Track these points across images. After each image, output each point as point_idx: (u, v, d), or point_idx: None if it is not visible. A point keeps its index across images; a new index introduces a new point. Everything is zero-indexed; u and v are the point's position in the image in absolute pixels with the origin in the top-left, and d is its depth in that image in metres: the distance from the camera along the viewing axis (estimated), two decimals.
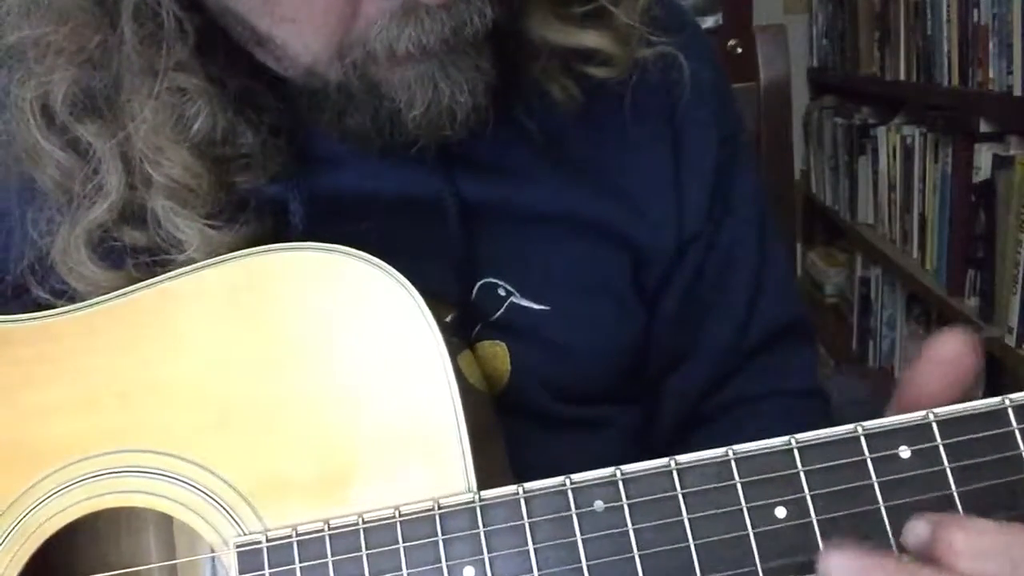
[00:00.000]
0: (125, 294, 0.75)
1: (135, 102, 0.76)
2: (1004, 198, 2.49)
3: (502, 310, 0.88)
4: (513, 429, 0.83)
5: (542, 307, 0.89)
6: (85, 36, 0.75)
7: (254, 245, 0.78)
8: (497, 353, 0.89)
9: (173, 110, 0.76)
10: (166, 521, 0.76)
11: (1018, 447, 0.59)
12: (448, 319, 0.85)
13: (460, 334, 0.86)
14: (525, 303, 0.89)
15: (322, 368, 0.70)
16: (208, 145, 0.78)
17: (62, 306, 0.78)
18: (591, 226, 0.91)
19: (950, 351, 0.62)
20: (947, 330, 0.62)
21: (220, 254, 0.76)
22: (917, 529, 0.58)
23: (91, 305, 0.75)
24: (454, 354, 0.73)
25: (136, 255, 0.79)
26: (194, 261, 0.76)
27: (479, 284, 0.88)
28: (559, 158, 0.90)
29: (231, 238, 0.78)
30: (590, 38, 0.84)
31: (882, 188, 3.57)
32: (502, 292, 0.88)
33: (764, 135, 1.51)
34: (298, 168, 0.84)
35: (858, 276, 3.92)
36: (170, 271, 0.77)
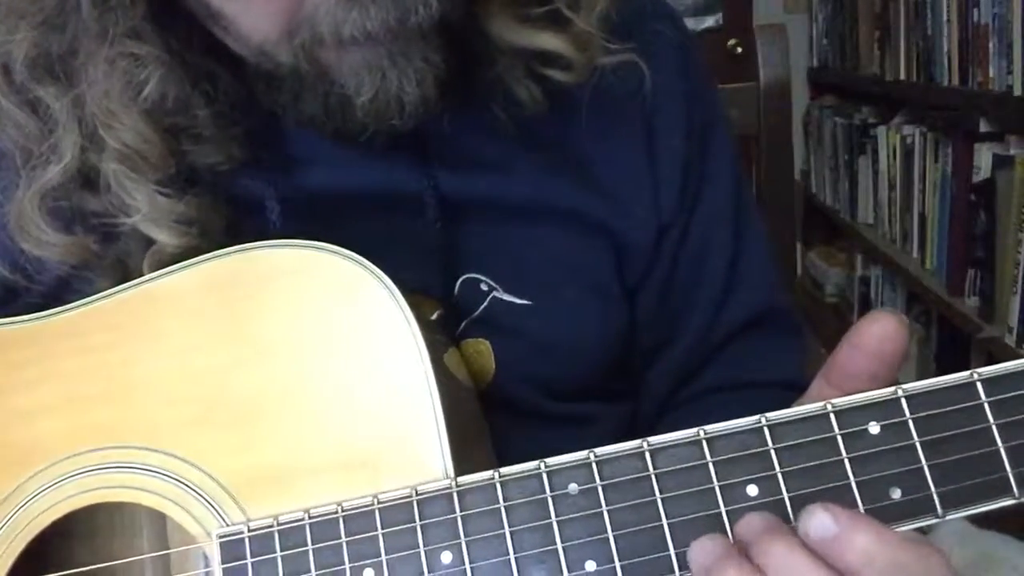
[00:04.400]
0: (108, 295, 0.75)
1: (90, 66, 0.76)
2: (1004, 198, 2.49)
3: (485, 305, 0.88)
4: (501, 426, 0.83)
5: (525, 301, 0.89)
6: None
7: (214, 222, 0.79)
8: (481, 351, 0.88)
9: (125, 75, 0.76)
10: (159, 516, 0.76)
11: (987, 420, 0.60)
12: (434, 316, 0.85)
13: (445, 332, 0.86)
14: (508, 298, 0.89)
15: (303, 364, 0.70)
16: (160, 113, 0.78)
17: (24, 285, 0.80)
18: (572, 218, 0.91)
19: (874, 339, 0.62)
20: (873, 313, 0.63)
21: (168, 223, 0.77)
22: (823, 521, 0.57)
23: (74, 307, 0.76)
24: (441, 351, 0.73)
25: (87, 219, 0.80)
26: (143, 229, 0.78)
27: (461, 279, 0.88)
28: (537, 152, 0.90)
29: (182, 208, 0.78)
30: (547, 40, 0.84)
31: (882, 188, 3.58)
32: (484, 287, 0.88)
33: (764, 135, 1.51)
34: (274, 165, 0.85)
35: (858, 276, 3.93)
36: (119, 234, 0.79)
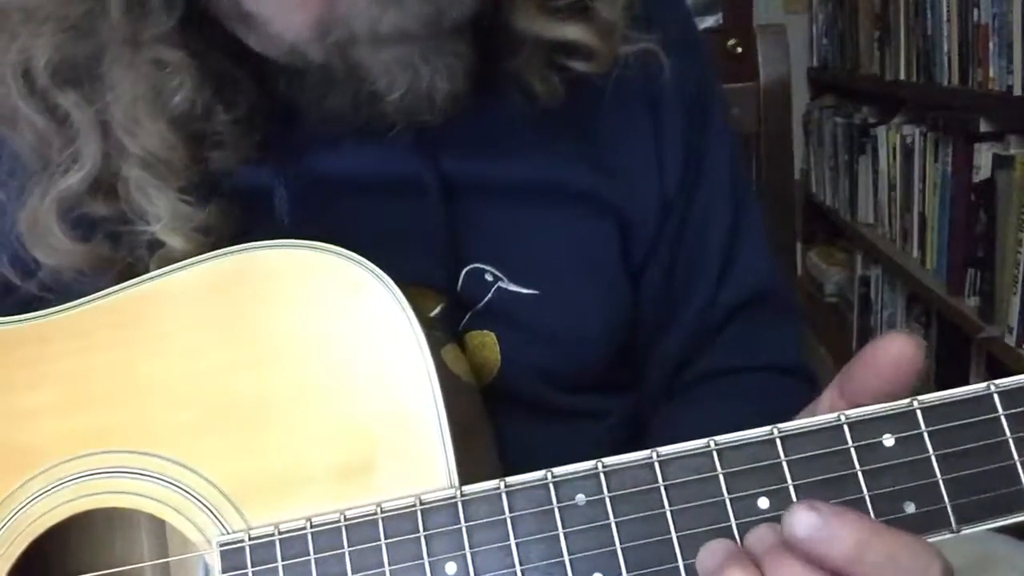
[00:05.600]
0: (109, 294, 0.74)
1: (116, 72, 0.76)
2: (1004, 198, 2.49)
3: (490, 296, 0.88)
4: (508, 419, 0.83)
5: (531, 291, 0.89)
6: (72, 4, 0.74)
7: (227, 228, 0.79)
8: (486, 343, 0.88)
9: (153, 82, 0.76)
10: (159, 521, 0.76)
11: (1004, 433, 0.59)
12: (435, 312, 0.84)
13: (447, 325, 0.86)
14: (513, 288, 0.88)
15: (305, 367, 0.70)
16: (186, 119, 0.77)
17: (26, 287, 0.79)
18: (578, 197, 0.91)
19: (890, 360, 0.61)
20: (890, 335, 0.61)
21: (188, 231, 0.77)
22: (808, 519, 0.56)
23: (75, 306, 0.75)
24: (438, 349, 0.72)
25: (105, 228, 0.79)
26: (161, 237, 0.77)
27: (465, 271, 0.87)
28: (542, 132, 0.89)
29: (203, 216, 0.78)
30: (573, 31, 0.84)
31: (882, 188, 3.58)
32: (489, 278, 0.88)
33: (764, 135, 1.51)
34: (283, 154, 0.84)
35: (858, 276, 3.93)
36: (132, 240, 0.78)
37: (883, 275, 3.67)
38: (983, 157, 2.64)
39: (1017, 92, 2.38)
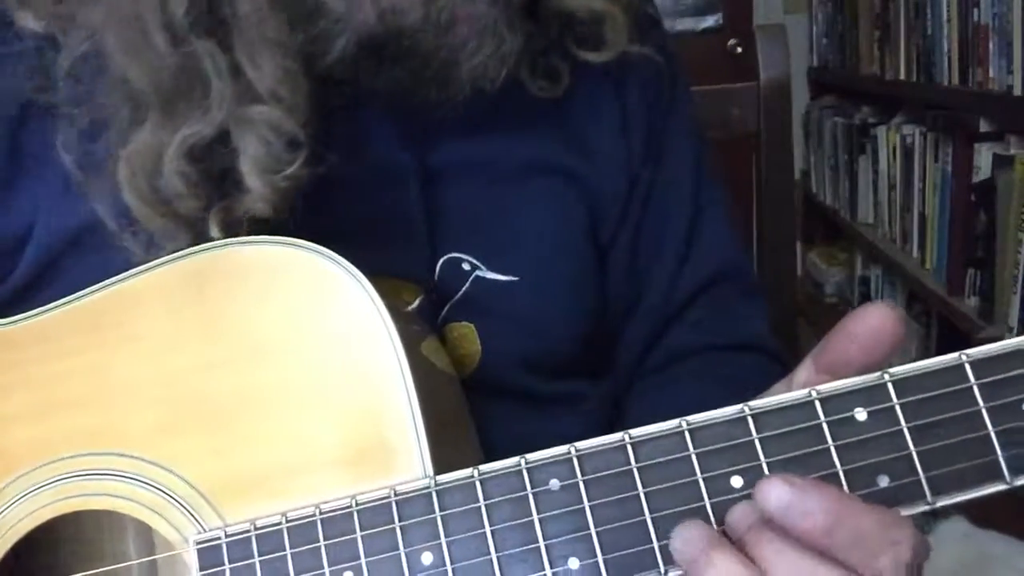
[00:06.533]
0: (82, 296, 0.74)
1: (259, 14, 0.73)
2: (1004, 198, 2.49)
3: (467, 286, 0.87)
4: (489, 408, 0.82)
5: (510, 278, 0.88)
6: None
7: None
8: (466, 335, 0.88)
9: (317, 31, 0.75)
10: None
11: (977, 403, 0.58)
12: (414, 305, 0.84)
13: (427, 317, 0.85)
14: (491, 276, 0.88)
15: (278, 363, 0.70)
16: (329, 71, 0.76)
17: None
18: (552, 174, 0.91)
19: (871, 330, 0.60)
20: (871, 305, 0.61)
21: (278, 182, 0.74)
22: (780, 492, 0.55)
23: (49, 310, 0.74)
24: (417, 342, 0.72)
25: (225, 177, 0.75)
26: (251, 184, 0.73)
27: (442, 260, 0.87)
28: (515, 110, 0.88)
29: (299, 175, 0.75)
30: (599, 3, 0.85)
31: (882, 188, 3.58)
32: (467, 267, 0.87)
33: (764, 135, 1.50)
34: None
35: (858, 276, 3.94)
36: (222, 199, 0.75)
37: (883, 275, 3.68)
38: (983, 157, 2.64)
39: (1017, 92, 2.39)
